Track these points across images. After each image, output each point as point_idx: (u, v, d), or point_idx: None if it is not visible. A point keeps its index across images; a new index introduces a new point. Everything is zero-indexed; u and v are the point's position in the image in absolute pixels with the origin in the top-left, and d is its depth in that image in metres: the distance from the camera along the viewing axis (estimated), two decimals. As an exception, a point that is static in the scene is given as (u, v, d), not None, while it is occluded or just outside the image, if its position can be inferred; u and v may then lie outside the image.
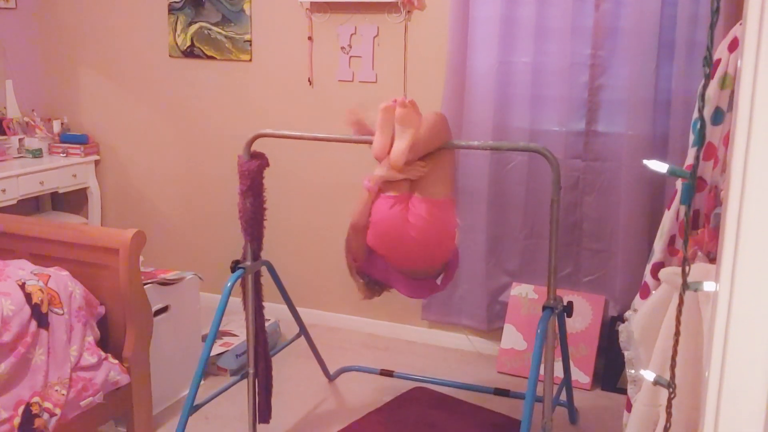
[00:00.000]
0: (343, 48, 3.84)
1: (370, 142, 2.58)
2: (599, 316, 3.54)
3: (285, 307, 3.22)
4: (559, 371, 2.94)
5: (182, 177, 4.40)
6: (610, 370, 3.48)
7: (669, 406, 1.01)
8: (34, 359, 2.60)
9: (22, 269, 2.80)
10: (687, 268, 1.00)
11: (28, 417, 2.50)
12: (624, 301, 3.45)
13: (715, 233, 1.87)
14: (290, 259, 3.97)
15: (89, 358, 2.76)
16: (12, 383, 2.52)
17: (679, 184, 2.04)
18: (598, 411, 3.31)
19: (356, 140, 2.79)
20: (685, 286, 0.99)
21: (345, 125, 2.75)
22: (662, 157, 3.34)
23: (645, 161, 1.13)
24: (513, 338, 3.70)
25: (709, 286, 1.03)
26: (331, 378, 3.54)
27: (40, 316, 2.63)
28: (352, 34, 3.81)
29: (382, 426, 3.15)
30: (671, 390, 1.01)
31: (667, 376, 1.63)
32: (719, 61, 1.91)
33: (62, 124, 4.52)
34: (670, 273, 1.79)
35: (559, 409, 3.12)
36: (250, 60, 4.10)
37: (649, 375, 1.15)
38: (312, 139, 2.88)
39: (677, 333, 1.01)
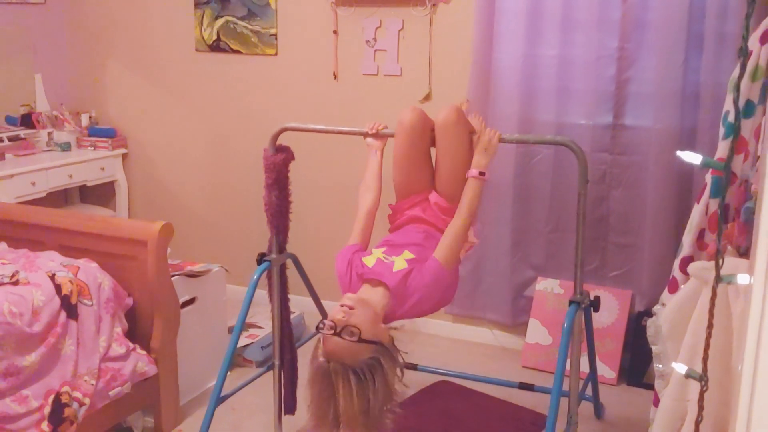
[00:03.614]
0: (368, 41, 3.84)
1: (392, 135, 2.59)
2: (626, 311, 3.52)
3: (310, 299, 3.23)
4: (584, 366, 2.92)
5: (209, 170, 4.43)
6: (637, 366, 3.46)
7: (701, 399, 1.01)
8: (64, 349, 2.64)
9: (52, 261, 2.84)
10: (720, 260, 0.99)
11: (58, 406, 2.54)
12: (651, 296, 3.42)
13: (746, 227, 1.85)
14: (315, 252, 3.97)
15: (118, 349, 2.80)
16: (42, 373, 2.56)
17: (708, 177, 2.02)
18: (624, 406, 3.29)
19: (381, 135, 2.79)
20: (718, 278, 0.98)
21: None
22: (690, 150, 3.30)
23: (678, 152, 1.12)
24: (538, 333, 3.68)
25: (743, 278, 1.02)
26: (355, 371, 3.54)
27: (69, 307, 2.67)
28: (377, 28, 3.81)
29: (406, 418, 3.13)
30: (703, 382, 1.01)
31: (695, 370, 1.61)
32: (750, 53, 1.88)
33: (90, 117, 4.57)
34: (700, 268, 1.77)
35: (585, 404, 3.11)
36: (276, 54, 4.11)
37: (680, 368, 1.14)
38: (337, 132, 2.87)
39: (710, 326, 1.00)
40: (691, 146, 3.28)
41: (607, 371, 3.48)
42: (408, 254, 2.31)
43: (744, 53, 0.95)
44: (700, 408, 0.99)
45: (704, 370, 1.01)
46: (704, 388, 1.01)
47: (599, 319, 3.49)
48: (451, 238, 2.32)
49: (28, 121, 4.36)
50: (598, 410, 3.18)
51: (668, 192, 3.37)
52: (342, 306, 2.09)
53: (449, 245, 2.31)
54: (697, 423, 1.03)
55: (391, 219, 2.62)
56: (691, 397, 1.71)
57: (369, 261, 2.31)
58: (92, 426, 2.71)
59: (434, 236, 2.42)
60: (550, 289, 3.68)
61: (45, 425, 2.49)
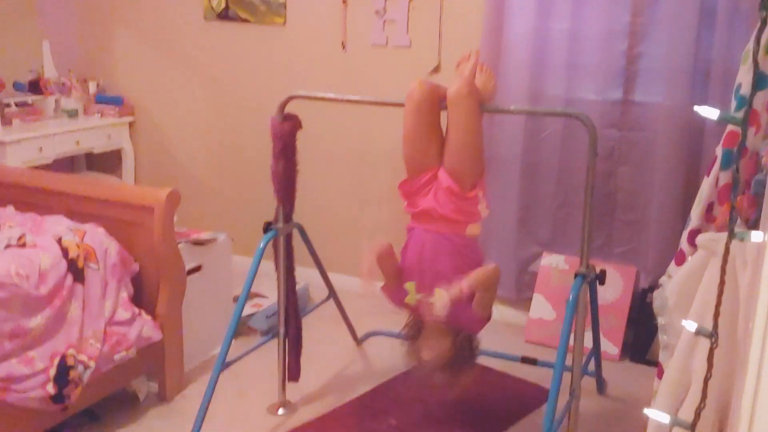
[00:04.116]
0: (377, 12, 3.81)
1: (403, 105, 2.58)
2: (630, 288, 3.52)
3: (314, 272, 3.24)
4: (588, 341, 2.92)
5: (216, 139, 4.43)
6: (640, 342, 3.47)
7: (710, 356, 1.01)
8: (70, 313, 2.64)
9: (59, 225, 2.84)
10: (735, 213, 0.98)
11: (64, 368, 2.55)
12: (656, 273, 3.41)
13: (755, 200, 1.84)
14: (322, 223, 3.98)
15: (123, 314, 2.81)
16: (48, 335, 2.57)
17: (719, 150, 2.01)
18: (626, 382, 3.29)
19: (389, 103, 2.79)
20: (731, 234, 0.98)
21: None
22: (699, 127, 3.29)
23: (696, 107, 1.11)
24: (542, 308, 3.69)
25: (756, 236, 1.01)
26: (359, 342, 3.56)
27: (76, 271, 2.68)
28: (387, -2, 3.78)
29: (408, 389, 3.16)
30: (713, 340, 1.01)
31: (700, 345, 1.61)
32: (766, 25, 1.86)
33: (98, 85, 4.56)
34: (708, 239, 1.77)
35: (587, 379, 3.11)
36: (284, 23, 4.08)
37: (690, 325, 1.14)
38: (345, 101, 2.87)
39: (722, 282, 1.00)
40: (700, 123, 3.26)
41: (610, 347, 3.49)
42: (441, 295, 2.44)
43: (765, 6, 0.94)
44: (710, 365, 0.99)
45: (715, 327, 1.01)
46: (714, 345, 1.01)
47: (603, 295, 3.48)
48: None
49: (35, 87, 4.35)
50: (601, 385, 3.19)
51: (676, 169, 3.35)
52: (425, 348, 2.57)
53: (486, 303, 2.55)
54: (706, 380, 1.03)
55: (405, 198, 2.64)
56: (695, 367, 1.71)
57: (411, 301, 2.59)
58: (97, 389, 2.73)
59: (458, 250, 2.55)
60: (555, 264, 3.68)
61: (50, 386, 2.51)
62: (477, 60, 2.63)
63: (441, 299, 2.39)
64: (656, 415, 1.30)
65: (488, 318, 2.59)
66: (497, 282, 2.55)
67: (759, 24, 1.00)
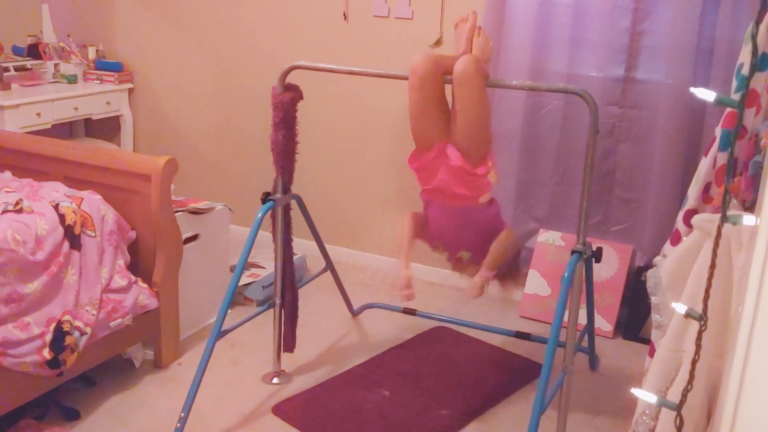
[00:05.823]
0: (380, -17, 3.77)
1: (404, 78, 2.56)
2: (626, 266, 3.53)
3: (312, 243, 3.24)
4: (582, 318, 2.94)
5: (215, 108, 4.40)
6: (634, 320, 3.48)
7: (699, 339, 1.01)
8: (66, 279, 2.65)
9: (56, 191, 2.84)
10: (728, 197, 0.98)
11: (60, 334, 2.57)
12: (652, 251, 3.42)
13: (753, 181, 1.83)
14: (320, 195, 3.98)
15: (119, 281, 2.82)
16: (44, 301, 2.58)
17: (718, 130, 2.00)
18: (619, 358, 3.32)
19: (390, 76, 2.77)
20: (724, 218, 0.98)
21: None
22: (701, 107, 3.27)
23: (692, 89, 1.10)
24: (537, 284, 3.70)
25: (749, 219, 1.01)
26: (354, 313, 3.58)
27: (72, 237, 2.68)
28: (389, -31, 3.74)
29: (403, 361, 3.19)
30: (702, 322, 1.01)
31: (692, 327, 1.62)
32: (769, 6, 1.85)
33: (97, 51, 4.53)
34: (703, 220, 1.76)
35: (580, 355, 3.14)
36: (287, -8, 4.05)
37: (680, 308, 1.14)
38: (347, 72, 2.85)
39: (713, 266, 1.00)
40: (702, 102, 3.25)
41: (604, 324, 3.51)
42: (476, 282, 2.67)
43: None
44: (698, 347, 1.00)
45: (704, 309, 1.01)
46: (703, 328, 1.02)
47: (599, 272, 3.50)
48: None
49: (34, 51, 4.32)
50: (593, 362, 3.21)
51: (676, 148, 3.34)
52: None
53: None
54: (694, 362, 1.04)
55: (416, 172, 2.67)
56: (686, 348, 1.72)
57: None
58: (93, 355, 2.75)
59: (474, 218, 2.69)
60: (552, 241, 3.69)
61: (46, 352, 2.52)
62: (475, 21, 2.64)
63: (476, 286, 2.65)
64: (643, 395, 1.31)
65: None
66: (515, 246, 2.86)
67: (759, 6, 0.99)
